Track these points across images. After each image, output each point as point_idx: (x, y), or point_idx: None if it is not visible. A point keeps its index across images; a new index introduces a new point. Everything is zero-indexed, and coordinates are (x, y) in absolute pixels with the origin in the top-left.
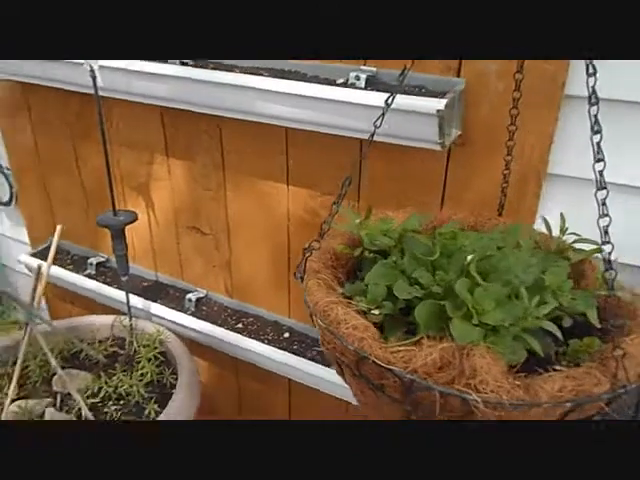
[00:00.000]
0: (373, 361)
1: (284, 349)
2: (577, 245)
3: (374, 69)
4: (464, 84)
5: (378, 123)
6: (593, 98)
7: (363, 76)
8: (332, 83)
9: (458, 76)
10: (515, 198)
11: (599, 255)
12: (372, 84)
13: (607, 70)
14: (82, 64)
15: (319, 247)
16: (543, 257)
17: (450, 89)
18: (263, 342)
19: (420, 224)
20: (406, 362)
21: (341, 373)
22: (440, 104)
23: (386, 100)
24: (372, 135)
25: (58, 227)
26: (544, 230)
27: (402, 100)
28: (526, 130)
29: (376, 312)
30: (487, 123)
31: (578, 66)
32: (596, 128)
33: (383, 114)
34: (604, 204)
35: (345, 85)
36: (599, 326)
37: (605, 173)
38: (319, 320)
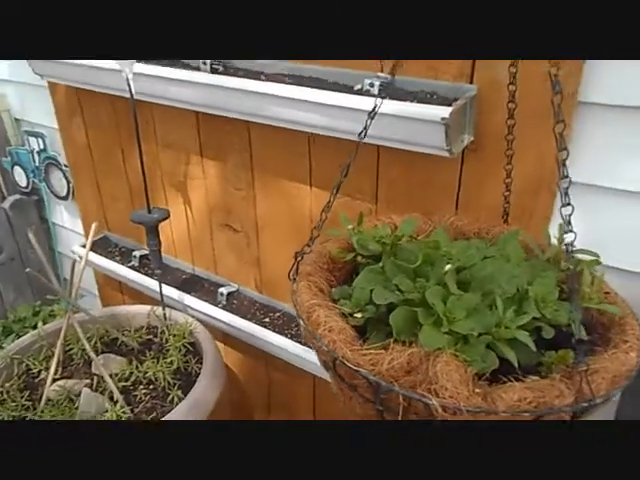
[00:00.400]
0: (343, 362)
1: (306, 344)
2: (578, 255)
3: (389, 76)
4: (476, 90)
5: (362, 135)
6: (560, 116)
7: (377, 83)
8: (350, 89)
9: (471, 83)
10: (528, 205)
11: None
12: (386, 91)
13: None
14: (121, 72)
15: (310, 251)
16: (534, 267)
17: (461, 95)
18: (287, 337)
19: (415, 230)
20: (373, 365)
21: (326, 370)
22: (445, 112)
23: (369, 113)
24: (357, 148)
25: (93, 225)
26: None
27: (410, 108)
28: (538, 137)
29: (358, 315)
30: (499, 130)
31: (591, 73)
32: (562, 146)
33: (366, 128)
34: (569, 222)
35: (360, 92)
36: (585, 338)
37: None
38: (301, 320)
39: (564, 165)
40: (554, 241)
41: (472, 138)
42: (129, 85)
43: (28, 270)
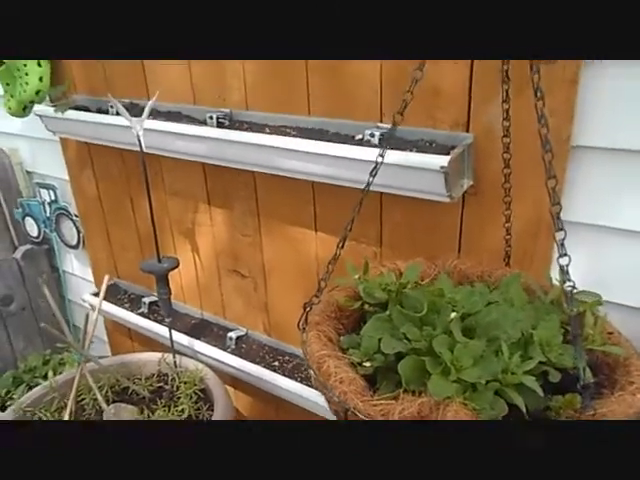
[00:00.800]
0: (354, 413)
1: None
2: (580, 296)
3: (389, 126)
4: (472, 139)
5: (366, 190)
6: (551, 172)
7: (377, 133)
8: (351, 139)
9: (467, 131)
10: (529, 248)
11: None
12: (387, 140)
13: None
14: (131, 128)
15: (318, 302)
16: (538, 310)
17: (459, 143)
18: (296, 380)
19: (420, 275)
20: (384, 415)
21: (338, 419)
22: (444, 161)
23: (371, 172)
24: (361, 201)
25: (106, 277)
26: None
27: (410, 157)
28: (535, 184)
29: (367, 364)
30: (497, 176)
31: (583, 119)
32: (555, 200)
33: (369, 184)
34: (567, 272)
35: (361, 141)
36: (591, 381)
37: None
38: (312, 371)
39: (558, 218)
40: (556, 283)
41: (471, 182)
42: (139, 141)
43: (43, 325)
